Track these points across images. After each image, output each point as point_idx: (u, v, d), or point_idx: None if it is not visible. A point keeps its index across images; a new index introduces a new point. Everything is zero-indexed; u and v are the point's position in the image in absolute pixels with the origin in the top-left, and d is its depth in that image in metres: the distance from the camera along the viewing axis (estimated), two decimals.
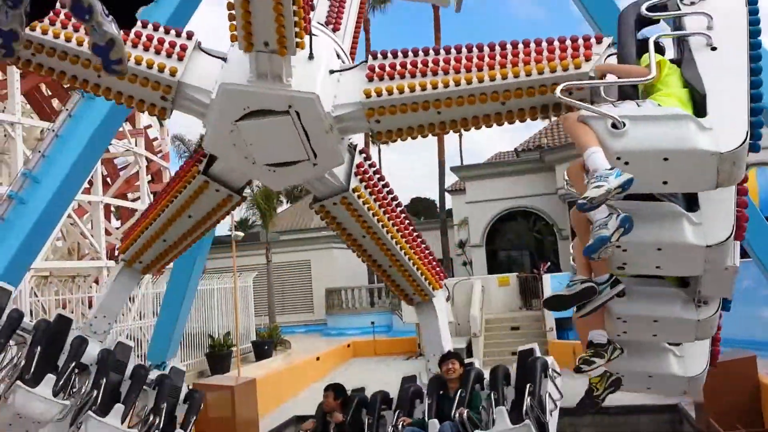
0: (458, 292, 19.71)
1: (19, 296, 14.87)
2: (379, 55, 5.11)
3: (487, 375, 6.86)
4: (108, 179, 22.02)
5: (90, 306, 15.83)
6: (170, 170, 22.63)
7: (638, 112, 3.30)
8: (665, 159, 3.19)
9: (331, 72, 5.14)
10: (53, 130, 10.10)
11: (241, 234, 20.17)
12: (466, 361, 7.25)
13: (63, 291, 16.30)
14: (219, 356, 18.44)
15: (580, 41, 4.61)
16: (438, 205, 38.56)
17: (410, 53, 5.03)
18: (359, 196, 6.16)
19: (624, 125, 3.21)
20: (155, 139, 22.74)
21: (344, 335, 26.27)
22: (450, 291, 19.46)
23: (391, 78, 4.96)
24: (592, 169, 3.20)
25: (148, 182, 21.23)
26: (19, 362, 6.47)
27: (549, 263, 23.73)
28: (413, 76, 4.91)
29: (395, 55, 5.08)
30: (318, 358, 17.78)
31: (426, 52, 5.00)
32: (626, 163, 3.20)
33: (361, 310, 29.32)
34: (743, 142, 3.14)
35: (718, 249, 3.54)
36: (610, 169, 3.14)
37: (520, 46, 4.77)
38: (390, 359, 20.54)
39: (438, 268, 7.60)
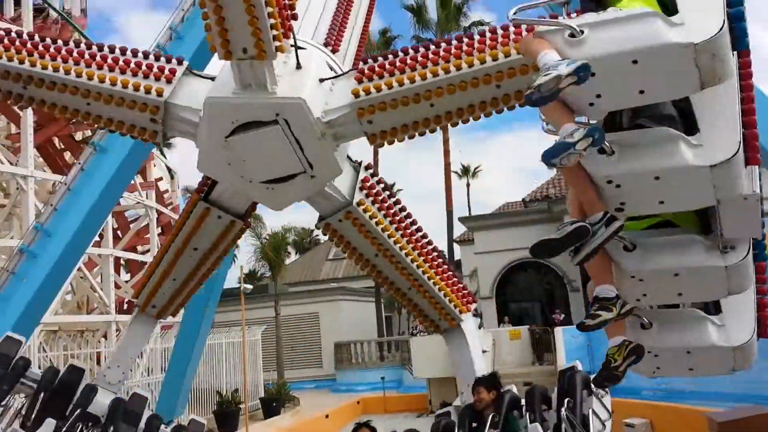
0: None
1: (27, 351, 14.66)
2: (369, 60, 5.07)
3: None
4: (118, 232, 22.06)
5: (98, 362, 15.63)
6: None
7: (597, 18, 3.00)
8: (634, 62, 2.87)
9: (322, 80, 5.05)
10: (65, 184, 10.17)
11: (249, 287, 20.03)
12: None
13: (72, 346, 16.13)
14: (227, 414, 18.08)
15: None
16: (447, 256, 38.31)
17: (400, 53, 4.98)
18: (365, 210, 5.90)
19: (582, 33, 2.95)
20: (166, 191, 22.85)
21: (354, 391, 25.80)
22: None
23: (381, 77, 4.86)
24: (542, 65, 2.91)
25: (159, 235, 21.23)
26: (23, 410, 6.31)
27: (563, 315, 23.37)
28: (402, 71, 4.81)
29: (385, 57, 5.02)
30: (327, 416, 17.41)
31: (416, 50, 4.93)
32: (592, 75, 2.88)
33: (370, 364, 28.83)
34: (720, 29, 2.83)
35: (725, 169, 3.09)
36: (562, 59, 2.87)
37: (511, 28, 4.66)
38: (401, 416, 20.05)
39: (465, 290, 7.21)
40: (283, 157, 4.91)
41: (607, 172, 3.14)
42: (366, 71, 4.97)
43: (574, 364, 6.30)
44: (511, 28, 4.66)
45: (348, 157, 5.91)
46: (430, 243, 6.66)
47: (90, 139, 12.00)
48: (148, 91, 5.21)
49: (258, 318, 30.23)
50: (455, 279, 7.04)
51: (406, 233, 6.31)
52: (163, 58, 5.47)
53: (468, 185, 56.58)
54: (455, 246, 36.92)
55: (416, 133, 5.05)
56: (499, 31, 4.72)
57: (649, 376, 4.19)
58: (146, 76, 5.28)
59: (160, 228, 21.55)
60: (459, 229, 37.49)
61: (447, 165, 36.31)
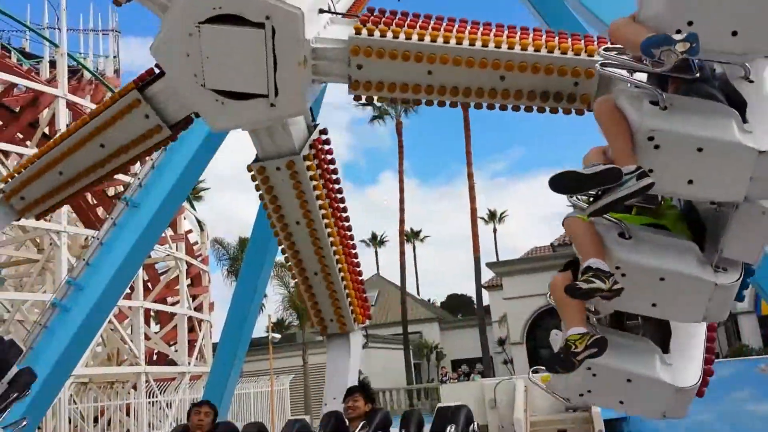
0: (500, 393, 19.07)
1: (58, 403, 14.84)
2: (377, 11, 4.65)
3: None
4: (149, 284, 22.35)
5: (128, 413, 15.69)
6: (209, 273, 22.93)
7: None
8: None
9: (321, 11, 4.56)
10: (98, 238, 10.38)
11: (277, 336, 20.08)
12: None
13: (102, 398, 16.23)
14: None
15: (595, 37, 4.41)
16: (475, 302, 38.06)
17: (411, 15, 4.59)
18: (308, 167, 5.39)
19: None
20: (195, 243, 23.19)
21: None
22: (493, 392, 18.81)
23: (387, 25, 4.48)
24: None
25: (188, 286, 21.48)
26: None
27: None
28: (413, 27, 4.45)
29: (394, 14, 4.62)
30: None
31: (428, 17, 4.60)
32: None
33: (400, 412, 28.29)
34: None
35: None
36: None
37: (531, 30, 4.48)
38: None
39: (367, 303, 6.72)
40: (251, 70, 4.37)
41: (654, 125, 3.05)
42: (372, 18, 4.57)
43: (457, 404, 6.14)
44: (532, 29, 4.54)
45: (311, 110, 5.32)
46: (352, 238, 6.31)
47: (122, 195, 12.30)
48: None
49: (286, 367, 30.14)
50: (363, 286, 6.66)
51: (336, 213, 5.96)
52: None
53: (495, 230, 56.63)
54: (484, 292, 36.65)
55: (400, 98, 4.72)
56: (519, 29, 4.56)
57: (573, 399, 4.00)
58: None
59: (189, 279, 21.81)
60: (487, 275, 37.35)
61: (473, 210, 36.32)
